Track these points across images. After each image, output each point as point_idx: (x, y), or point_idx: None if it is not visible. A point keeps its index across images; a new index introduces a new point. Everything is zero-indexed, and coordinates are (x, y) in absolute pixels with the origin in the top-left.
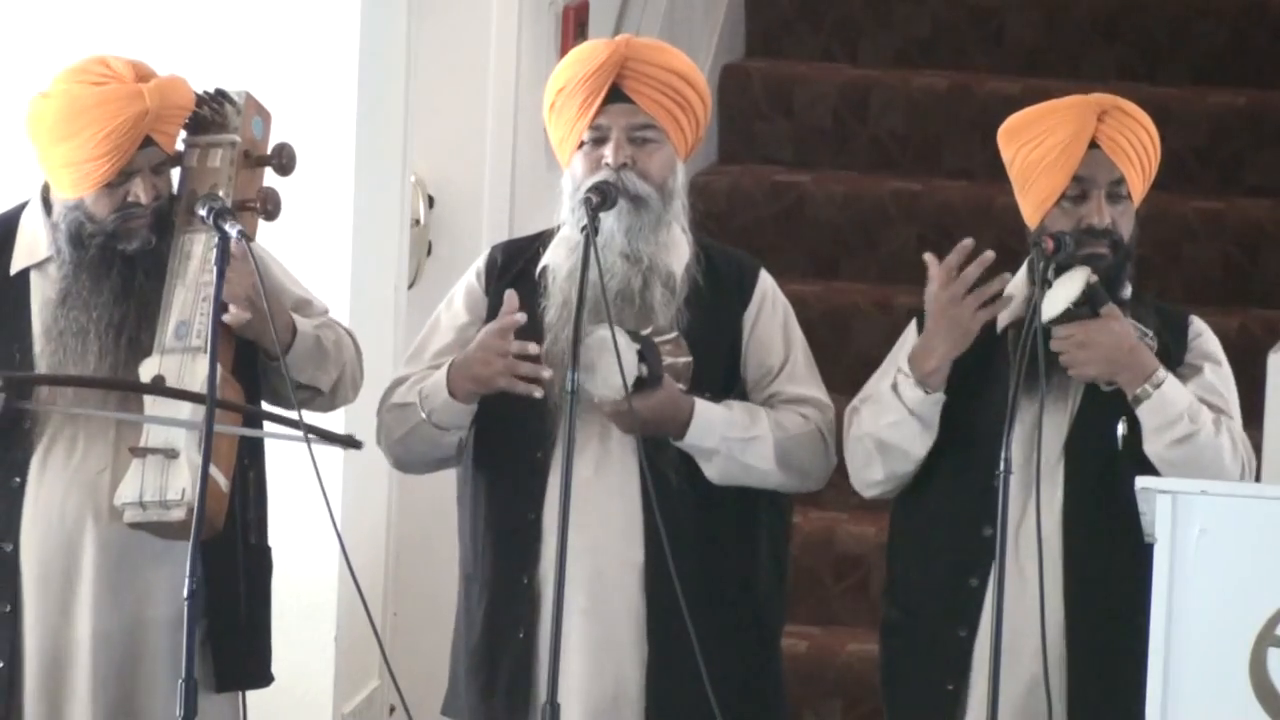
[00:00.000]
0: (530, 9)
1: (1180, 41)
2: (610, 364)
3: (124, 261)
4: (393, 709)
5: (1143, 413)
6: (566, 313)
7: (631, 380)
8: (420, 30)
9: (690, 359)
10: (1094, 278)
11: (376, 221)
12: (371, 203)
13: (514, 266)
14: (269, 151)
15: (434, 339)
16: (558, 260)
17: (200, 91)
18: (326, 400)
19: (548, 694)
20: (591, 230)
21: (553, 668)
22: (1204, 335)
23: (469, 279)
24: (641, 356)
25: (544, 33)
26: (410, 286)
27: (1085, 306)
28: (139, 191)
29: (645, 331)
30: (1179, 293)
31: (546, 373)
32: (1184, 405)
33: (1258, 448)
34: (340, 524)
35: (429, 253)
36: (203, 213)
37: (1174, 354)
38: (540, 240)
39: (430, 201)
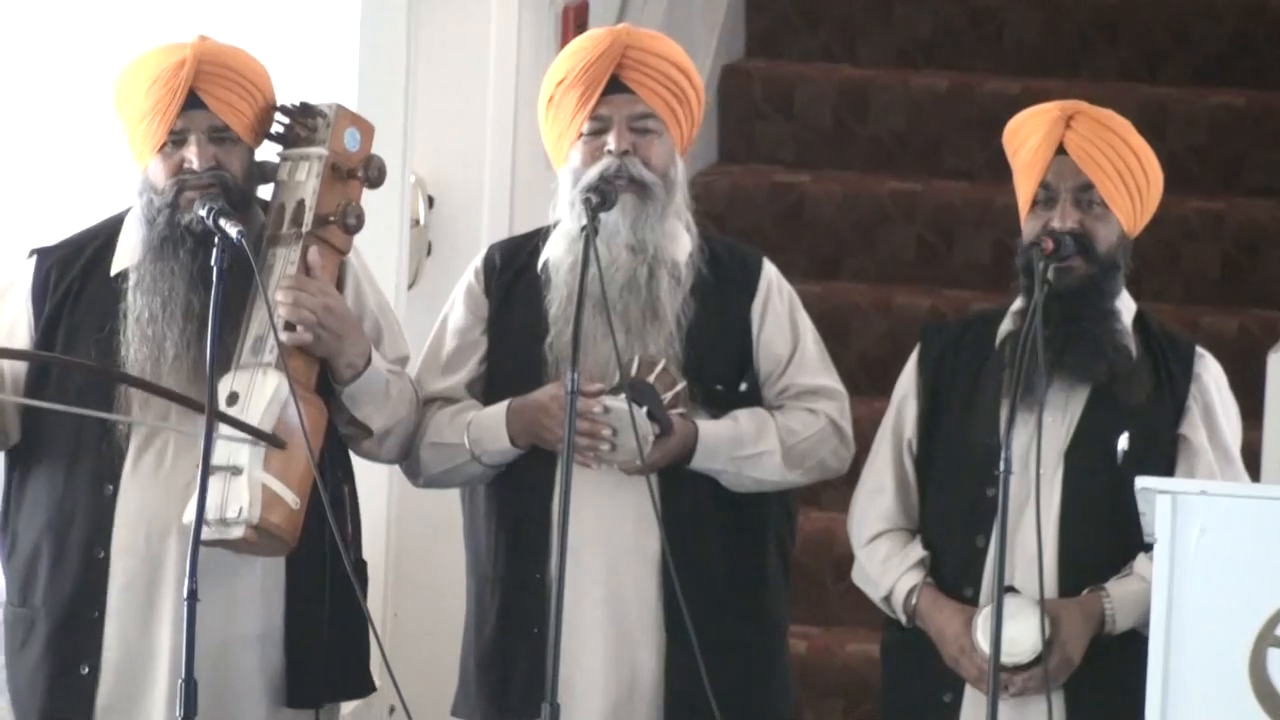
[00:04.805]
0: (530, 9)
1: (1180, 41)
2: (627, 434)
3: (195, 242)
4: (392, 709)
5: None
6: (571, 306)
7: (649, 446)
8: (420, 30)
9: (683, 384)
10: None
11: (376, 221)
12: (371, 203)
13: (513, 265)
14: (359, 163)
15: (442, 347)
16: (558, 254)
17: (286, 105)
18: (373, 444)
19: (549, 694)
20: (591, 230)
21: (554, 668)
22: (1208, 373)
23: (468, 280)
24: (651, 415)
25: (544, 33)
26: (410, 286)
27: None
28: (192, 155)
29: (634, 369)
30: (1179, 293)
31: (606, 431)
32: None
33: (1258, 448)
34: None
35: (429, 253)
36: (202, 213)
37: (1176, 381)
38: (538, 237)
39: (430, 201)
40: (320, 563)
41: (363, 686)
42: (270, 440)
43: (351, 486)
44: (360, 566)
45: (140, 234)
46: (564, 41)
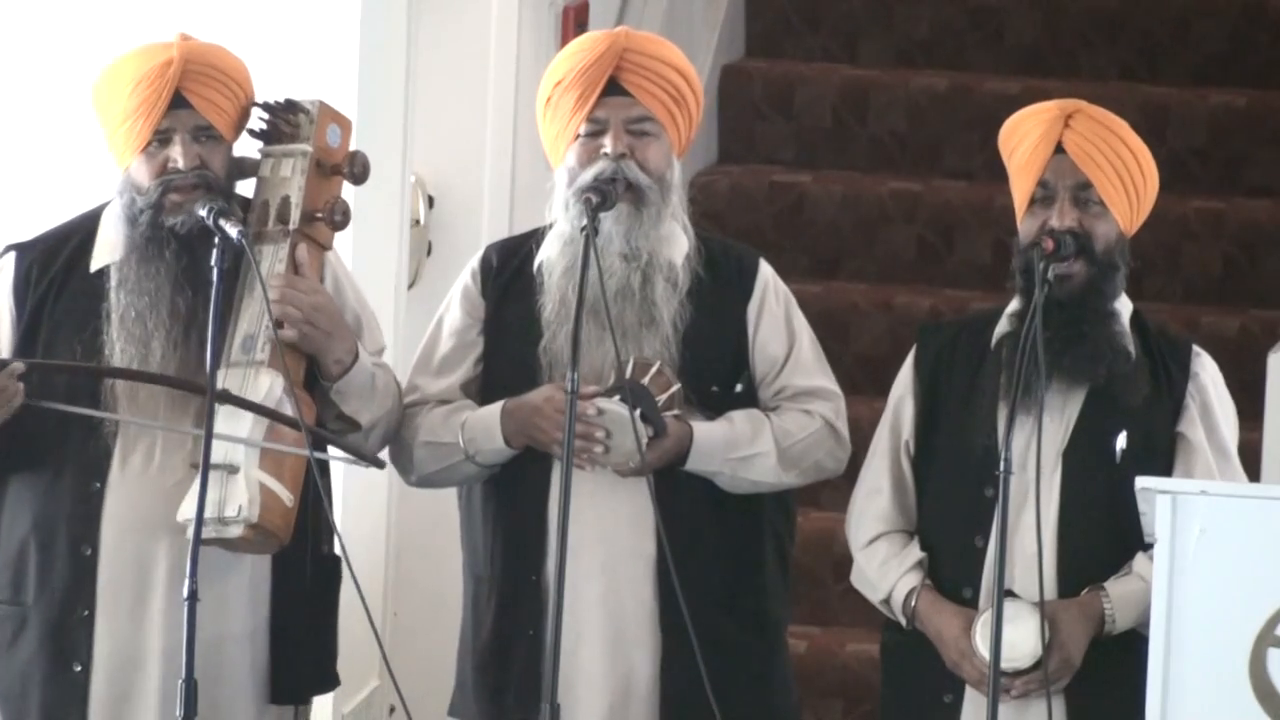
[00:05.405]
0: (530, 9)
1: (1180, 41)
2: (621, 436)
3: (180, 244)
4: (393, 709)
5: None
6: (565, 310)
7: (645, 446)
8: (420, 30)
9: (678, 385)
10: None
11: (376, 221)
12: (371, 203)
13: (509, 266)
14: (342, 160)
15: (437, 347)
16: (552, 256)
17: (269, 101)
18: (360, 437)
19: (548, 694)
20: (591, 230)
21: (553, 668)
22: (1205, 372)
23: (464, 282)
24: (645, 417)
25: (544, 33)
26: (410, 286)
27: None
28: (176, 155)
29: (629, 371)
30: (1179, 293)
31: (600, 433)
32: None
33: (1258, 448)
34: (340, 524)
35: (429, 253)
36: (202, 213)
37: (1174, 380)
38: (534, 238)
39: (430, 201)
40: (302, 560)
41: (331, 681)
42: (282, 419)
43: (326, 482)
44: (335, 562)
45: (122, 233)
46: (564, 42)
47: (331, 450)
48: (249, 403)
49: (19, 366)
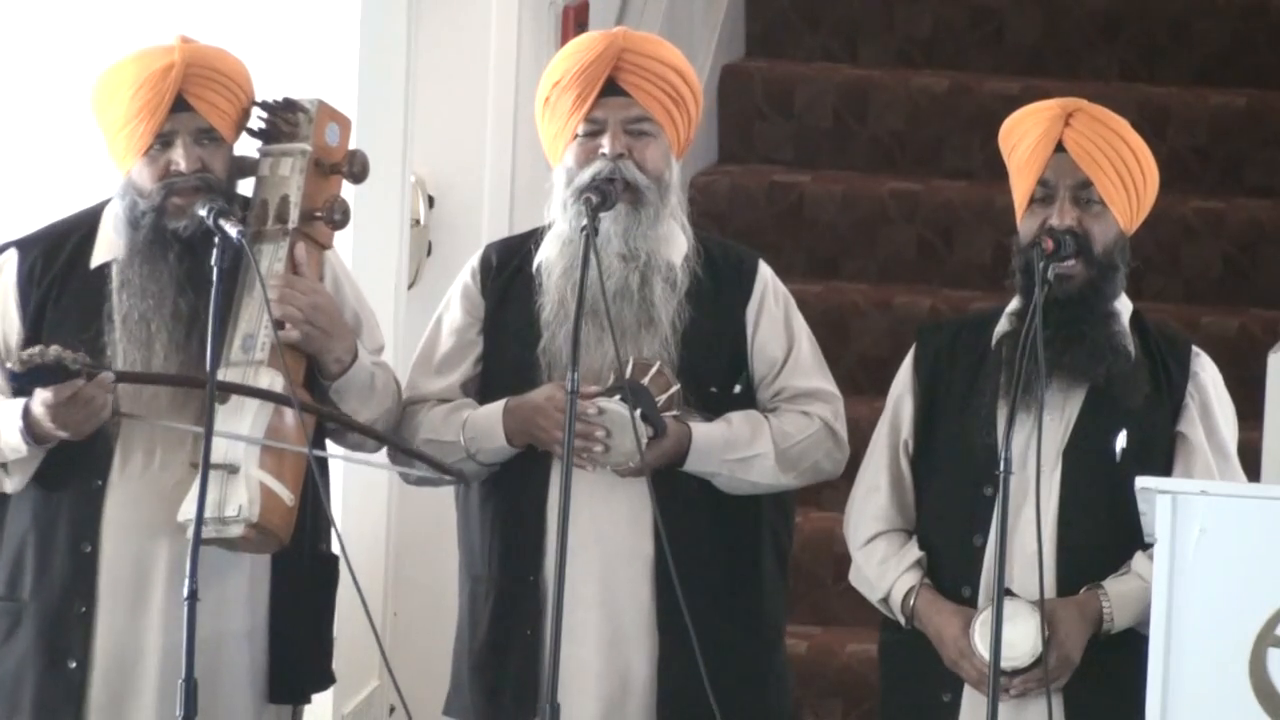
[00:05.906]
0: (530, 9)
1: (1180, 41)
2: (621, 435)
3: (182, 246)
4: (393, 709)
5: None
6: (564, 311)
7: (644, 446)
8: (420, 30)
9: (677, 386)
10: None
11: (376, 221)
12: (371, 203)
13: (509, 266)
14: (341, 159)
15: (437, 346)
16: (551, 257)
17: (268, 100)
18: (357, 436)
19: (548, 694)
20: (591, 230)
21: (553, 668)
22: (1205, 372)
23: (464, 280)
24: (645, 417)
25: (544, 33)
26: (410, 286)
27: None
28: (178, 158)
29: (629, 371)
30: (1179, 293)
31: (600, 432)
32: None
33: (1258, 448)
34: (340, 524)
35: (429, 253)
36: (202, 213)
37: (1174, 379)
38: (533, 238)
39: (430, 201)
40: (301, 559)
41: (328, 679)
42: (282, 401)
43: (326, 481)
44: (334, 561)
45: (124, 235)
46: (564, 42)
47: (412, 465)
48: (261, 391)
49: (109, 376)
